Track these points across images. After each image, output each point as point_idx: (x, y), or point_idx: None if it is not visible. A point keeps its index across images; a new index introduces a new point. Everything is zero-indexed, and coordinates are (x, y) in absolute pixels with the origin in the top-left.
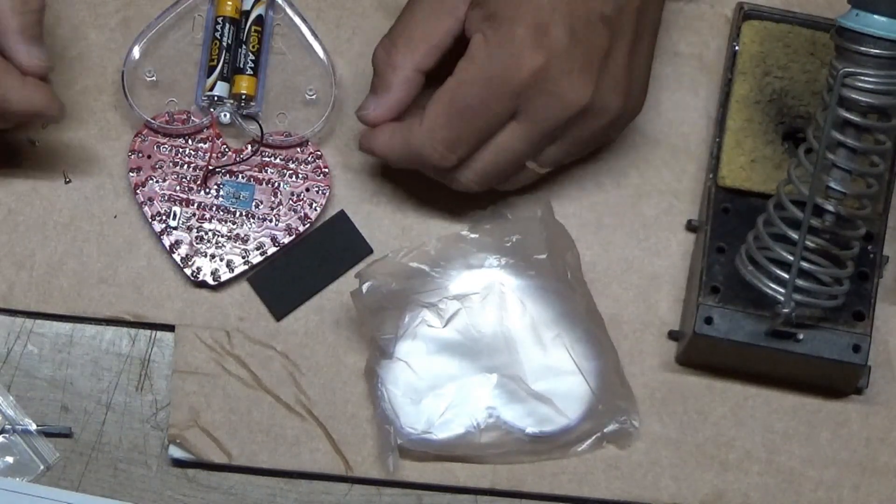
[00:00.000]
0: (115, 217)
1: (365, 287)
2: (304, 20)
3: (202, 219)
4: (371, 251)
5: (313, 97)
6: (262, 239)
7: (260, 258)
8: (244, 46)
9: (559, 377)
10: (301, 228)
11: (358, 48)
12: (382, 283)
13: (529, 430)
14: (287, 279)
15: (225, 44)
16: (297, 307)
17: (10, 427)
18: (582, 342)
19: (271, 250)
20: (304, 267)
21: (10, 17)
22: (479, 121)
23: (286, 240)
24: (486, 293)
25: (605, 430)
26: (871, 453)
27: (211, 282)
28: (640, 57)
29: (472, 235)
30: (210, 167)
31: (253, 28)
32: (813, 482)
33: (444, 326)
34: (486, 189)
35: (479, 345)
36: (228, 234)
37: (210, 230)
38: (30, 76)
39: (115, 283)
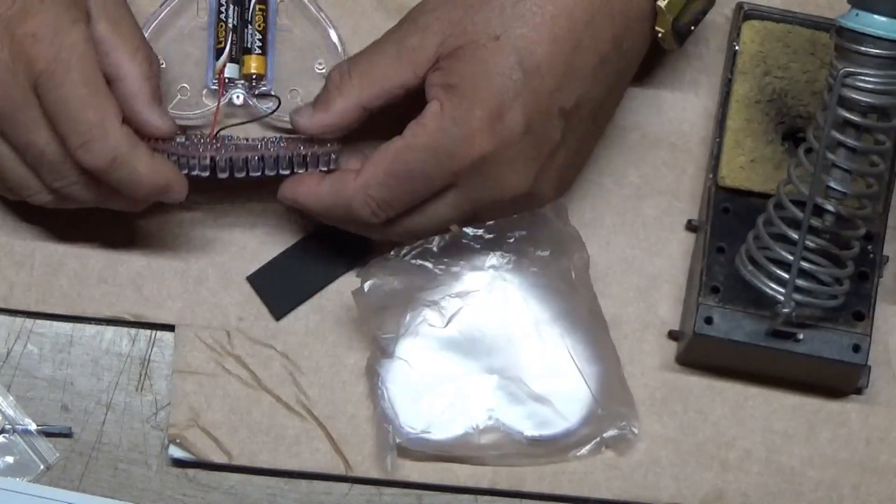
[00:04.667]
0: (116, 215)
1: (367, 285)
2: None
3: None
4: (371, 250)
5: (323, 70)
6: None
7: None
8: (250, 26)
9: (560, 379)
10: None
11: (357, 48)
12: (384, 281)
13: (528, 432)
14: (287, 279)
15: (230, 25)
16: (297, 307)
17: (10, 427)
18: (583, 344)
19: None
20: (304, 267)
21: (142, 83)
22: (416, 187)
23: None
24: (489, 291)
25: (604, 435)
26: (871, 453)
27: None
28: (586, 150)
29: (476, 232)
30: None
31: (257, 7)
32: (813, 482)
33: (446, 326)
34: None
35: (480, 344)
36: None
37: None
38: (156, 153)
39: (115, 283)
